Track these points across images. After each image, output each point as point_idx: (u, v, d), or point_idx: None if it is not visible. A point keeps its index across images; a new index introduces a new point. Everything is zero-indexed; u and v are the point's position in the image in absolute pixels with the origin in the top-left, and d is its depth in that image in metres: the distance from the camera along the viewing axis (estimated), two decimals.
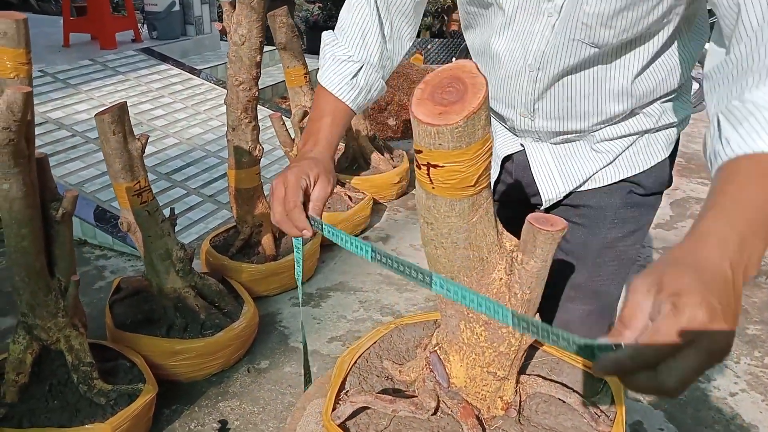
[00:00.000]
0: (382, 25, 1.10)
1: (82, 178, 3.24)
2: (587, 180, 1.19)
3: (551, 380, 1.06)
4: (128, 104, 3.94)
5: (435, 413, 1.01)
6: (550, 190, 1.21)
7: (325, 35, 1.12)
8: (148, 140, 2.06)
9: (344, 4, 1.12)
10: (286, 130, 3.01)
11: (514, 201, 1.28)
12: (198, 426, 1.94)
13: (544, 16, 0.98)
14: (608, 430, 0.97)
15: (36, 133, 3.68)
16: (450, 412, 1.01)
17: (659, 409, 2.05)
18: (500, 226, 0.89)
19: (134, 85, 4.42)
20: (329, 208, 3.13)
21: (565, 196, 1.22)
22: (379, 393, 1.03)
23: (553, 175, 1.21)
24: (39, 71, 4.23)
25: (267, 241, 2.66)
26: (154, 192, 2.09)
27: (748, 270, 0.54)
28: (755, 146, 0.59)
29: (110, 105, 1.93)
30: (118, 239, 2.94)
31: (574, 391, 1.04)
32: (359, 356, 1.15)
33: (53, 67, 4.37)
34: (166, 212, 2.18)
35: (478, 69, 0.74)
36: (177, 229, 3.07)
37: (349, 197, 3.20)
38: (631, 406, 2.02)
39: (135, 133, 1.98)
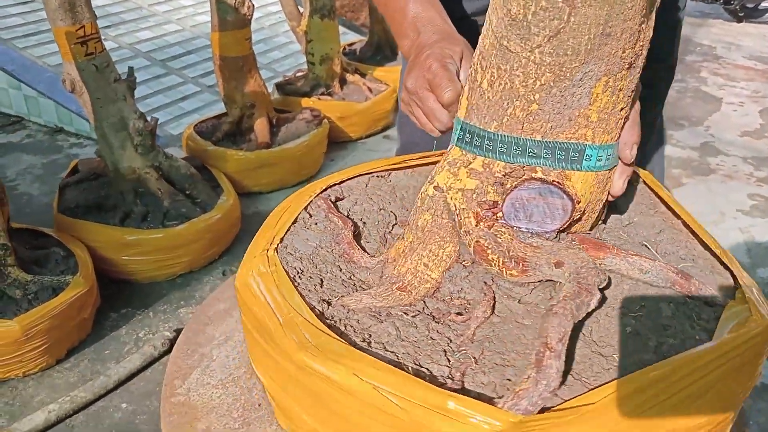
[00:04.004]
0: None
1: (49, 50, 2.80)
2: None
3: None
4: None
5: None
6: None
7: None
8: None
9: None
10: None
11: None
12: (148, 334, 1.54)
13: None
14: None
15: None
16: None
17: None
18: None
19: None
20: (343, 99, 2.63)
21: None
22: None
23: None
24: None
25: (260, 125, 2.19)
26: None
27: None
28: None
29: None
30: None
31: None
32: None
33: None
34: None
35: None
36: (167, 118, 2.65)
37: (369, 89, 2.69)
38: None
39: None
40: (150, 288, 1.70)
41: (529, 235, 0.57)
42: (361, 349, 0.50)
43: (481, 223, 0.57)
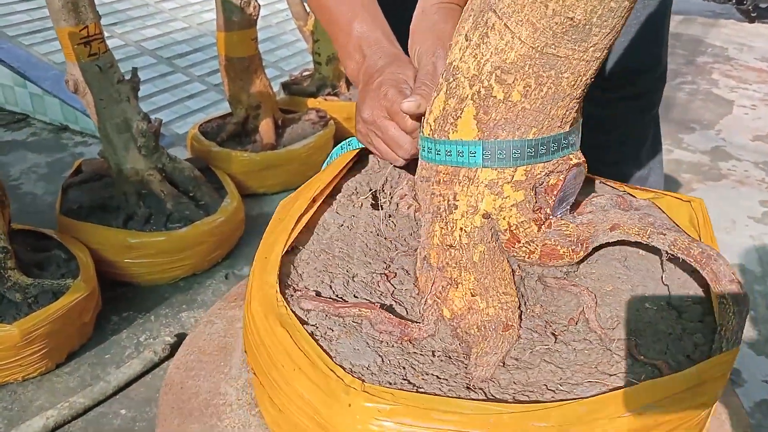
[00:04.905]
0: None
1: (55, 48, 2.79)
2: None
3: None
4: None
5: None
6: None
7: None
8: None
9: None
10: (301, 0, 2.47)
11: None
12: (149, 338, 1.52)
13: None
14: None
15: None
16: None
17: (763, 354, 1.51)
18: None
19: None
20: (350, 99, 2.60)
21: None
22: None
23: None
24: None
25: (265, 126, 2.17)
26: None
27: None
28: None
29: None
30: None
31: None
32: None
33: None
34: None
35: None
36: (172, 117, 2.64)
37: None
38: None
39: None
40: (151, 291, 1.69)
41: (571, 216, 0.61)
42: (566, 400, 0.48)
43: (543, 226, 0.58)
